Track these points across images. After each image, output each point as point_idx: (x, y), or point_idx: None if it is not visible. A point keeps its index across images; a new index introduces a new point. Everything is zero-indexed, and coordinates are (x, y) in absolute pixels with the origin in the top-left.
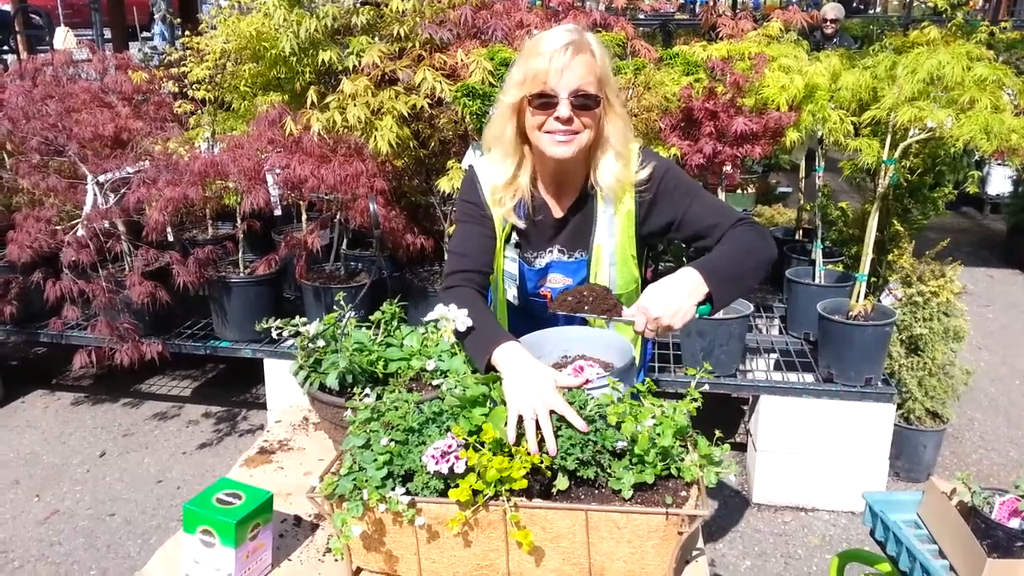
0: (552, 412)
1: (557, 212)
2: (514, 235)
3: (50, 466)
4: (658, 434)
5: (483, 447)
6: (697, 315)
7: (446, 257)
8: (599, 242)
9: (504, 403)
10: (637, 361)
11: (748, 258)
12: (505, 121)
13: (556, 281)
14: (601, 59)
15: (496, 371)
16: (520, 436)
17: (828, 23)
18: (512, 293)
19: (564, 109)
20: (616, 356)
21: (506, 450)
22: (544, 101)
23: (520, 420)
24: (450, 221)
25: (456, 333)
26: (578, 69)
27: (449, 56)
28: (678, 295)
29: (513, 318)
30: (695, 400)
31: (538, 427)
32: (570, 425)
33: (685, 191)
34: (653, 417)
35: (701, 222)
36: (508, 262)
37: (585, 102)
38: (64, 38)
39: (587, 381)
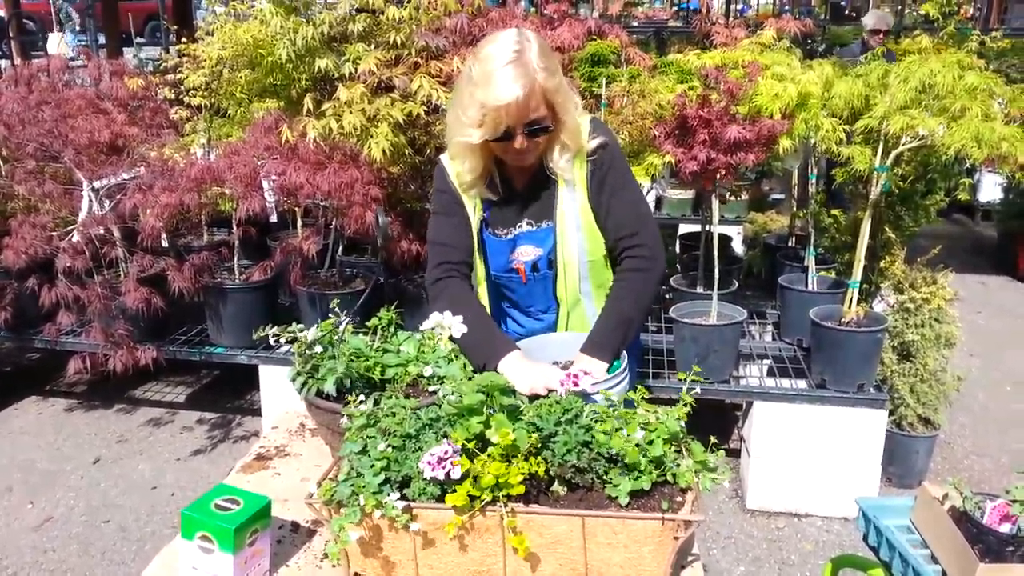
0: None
1: (520, 187)
2: (483, 213)
3: (44, 472)
4: (650, 443)
5: (481, 453)
6: (608, 373)
7: (428, 247)
8: (563, 208)
9: (503, 409)
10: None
11: (627, 322)
12: (469, 150)
13: (527, 254)
14: (547, 78)
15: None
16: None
17: (874, 35)
18: (482, 272)
19: (520, 142)
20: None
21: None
22: (501, 137)
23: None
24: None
25: (454, 340)
26: (528, 103)
27: (445, 63)
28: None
29: (492, 295)
30: (687, 406)
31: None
32: (569, 423)
33: (611, 182)
34: (643, 428)
35: (611, 224)
36: (485, 244)
37: (537, 128)
38: (58, 44)
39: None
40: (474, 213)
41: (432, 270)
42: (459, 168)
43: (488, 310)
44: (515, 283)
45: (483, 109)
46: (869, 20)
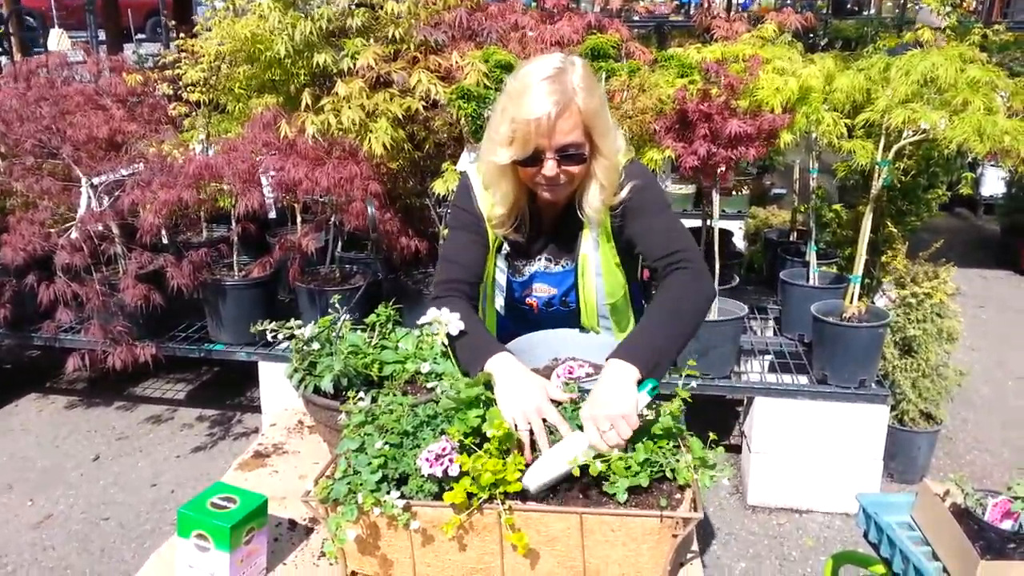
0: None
1: (546, 223)
2: (504, 246)
3: (43, 470)
4: (634, 449)
5: (478, 449)
6: (647, 394)
7: (438, 262)
8: (584, 252)
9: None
10: None
11: (681, 316)
12: (500, 174)
13: (541, 291)
14: (586, 100)
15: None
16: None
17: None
18: (500, 302)
19: (550, 168)
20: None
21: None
22: (531, 159)
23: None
24: (445, 223)
25: (449, 338)
26: (563, 126)
27: (444, 58)
28: (612, 390)
29: (501, 325)
30: (682, 399)
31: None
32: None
33: (646, 211)
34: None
35: (649, 248)
36: (498, 272)
37: (571, 155)
38: (58, 40)
39: (576, 398)
40: (495, 245)
41: (437, 285)
42: (491, 199)
43: (493, 333)
44: (525, 313)
45: (513, 124)
46: (925, 19)
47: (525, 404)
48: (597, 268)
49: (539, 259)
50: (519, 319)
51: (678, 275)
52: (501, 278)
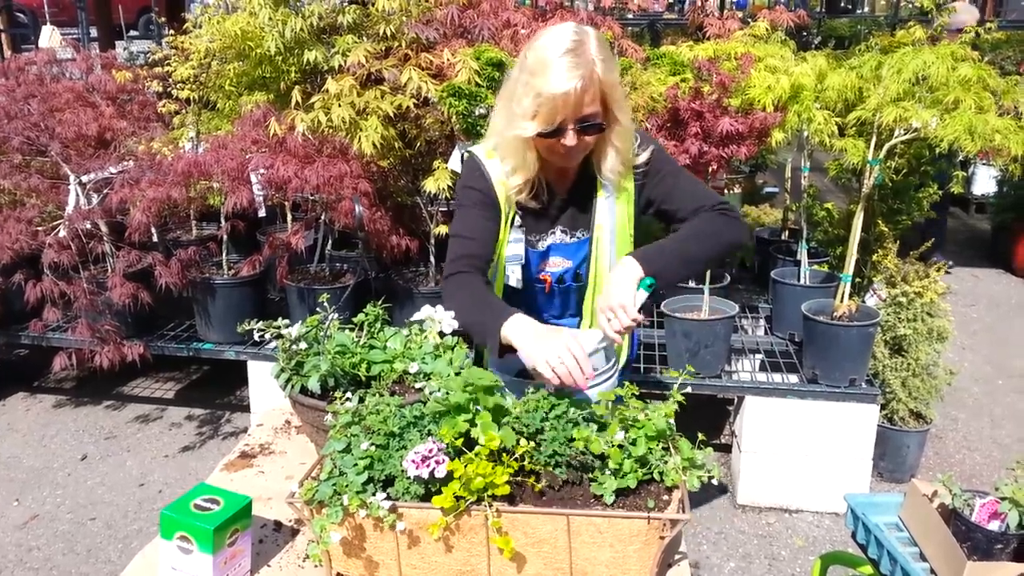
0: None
1: (561, 193)
2: (518, 218)
3: (30, 469)
4: (632, 443)
5: (468, 451)
6: (644, 290)
7: (450, 241)
8: (600, 222)
9: (489, 410)
10: (623, 360)
11: (699, 239)
12: (520, 145)
13: (556, 264)
14: (605, 71)
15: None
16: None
17: (955, 35)
18: (517, 276)
19: (570, 139)
20: (601, 358)
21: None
22: (552, 131)
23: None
24: (436, 222)
25: (461, 312)
26: (584, 98)
27: (435, 56)
28: (616, 283)
29: (511, 305)
30: (676, 402)
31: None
32: (557, 418)
33: (669, 172)
34: (624, 430)
35: (678, 205)
36: (513, 245)
37: (590, 127)
38: (50, 37)
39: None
40: (508, 219)
41: (452, 262)
42: (507, 169)
43: None
44: (537, 293)
45: (539, 99)
46: (962, 17)
47: (556, 343)
48: (612, 236)
49: (554, 231)
50: (530, 297)
51: (712, 213)
52: (519, 249)
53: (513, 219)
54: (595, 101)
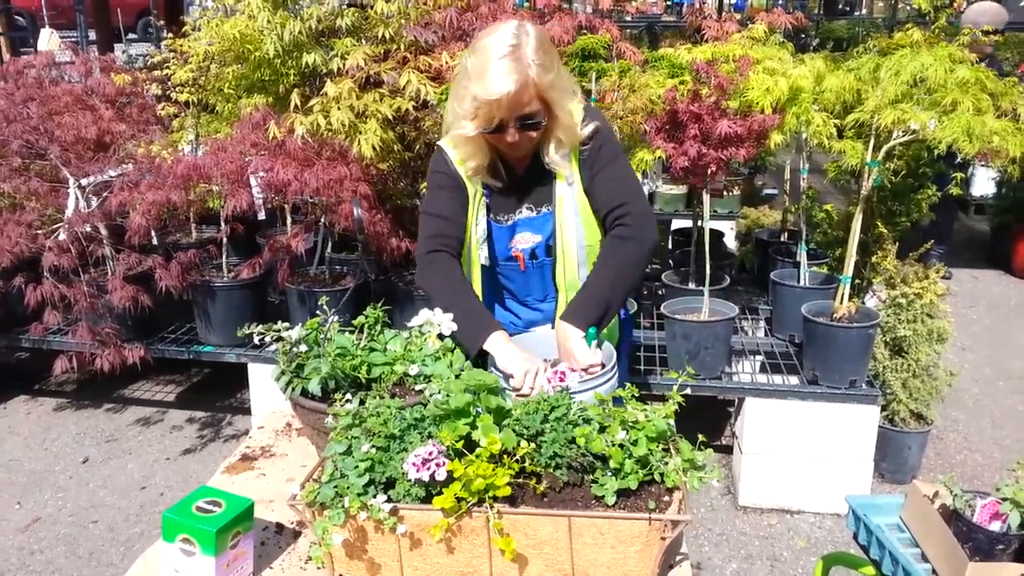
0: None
1: (520, 172)
2: (484, 199)
3: (32, 473)
4: (634, 442)
5: (468, 453)
6: (594, 340)
7: (420, 221)
8: (560, 193)
9: (490, 411)
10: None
11: (617, 272)
12: (467, 139)
13: (525, 240)
14: (540, 74)
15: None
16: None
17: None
18: (484, 254)
19: (512, 135)
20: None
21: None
22: (492, 129)
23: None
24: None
25: (439, 300)
26: (521, 99)
27: (434, 58)
28: (574, 351)
29: (486, 285)
30: (676, 403)
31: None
32: (557, 420)
33: (604, 155)
34: (629, 427)
35: (598, 192)
36: (480, 224)
37: (530, 122)
38: (48, 40)
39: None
40: (475, 200)
41: (426, 241)
42: (461, 155)
43: (478, 292)
44: (513, 272)
45: (476, 102)
46: (983, 18)
47: (529, 360)
48: (575, 209)
49: (520, 209)
50: (507, 278)
51: (619, 231)
52: (484, 227)
53: (479, 200)
54: (533, 101)
